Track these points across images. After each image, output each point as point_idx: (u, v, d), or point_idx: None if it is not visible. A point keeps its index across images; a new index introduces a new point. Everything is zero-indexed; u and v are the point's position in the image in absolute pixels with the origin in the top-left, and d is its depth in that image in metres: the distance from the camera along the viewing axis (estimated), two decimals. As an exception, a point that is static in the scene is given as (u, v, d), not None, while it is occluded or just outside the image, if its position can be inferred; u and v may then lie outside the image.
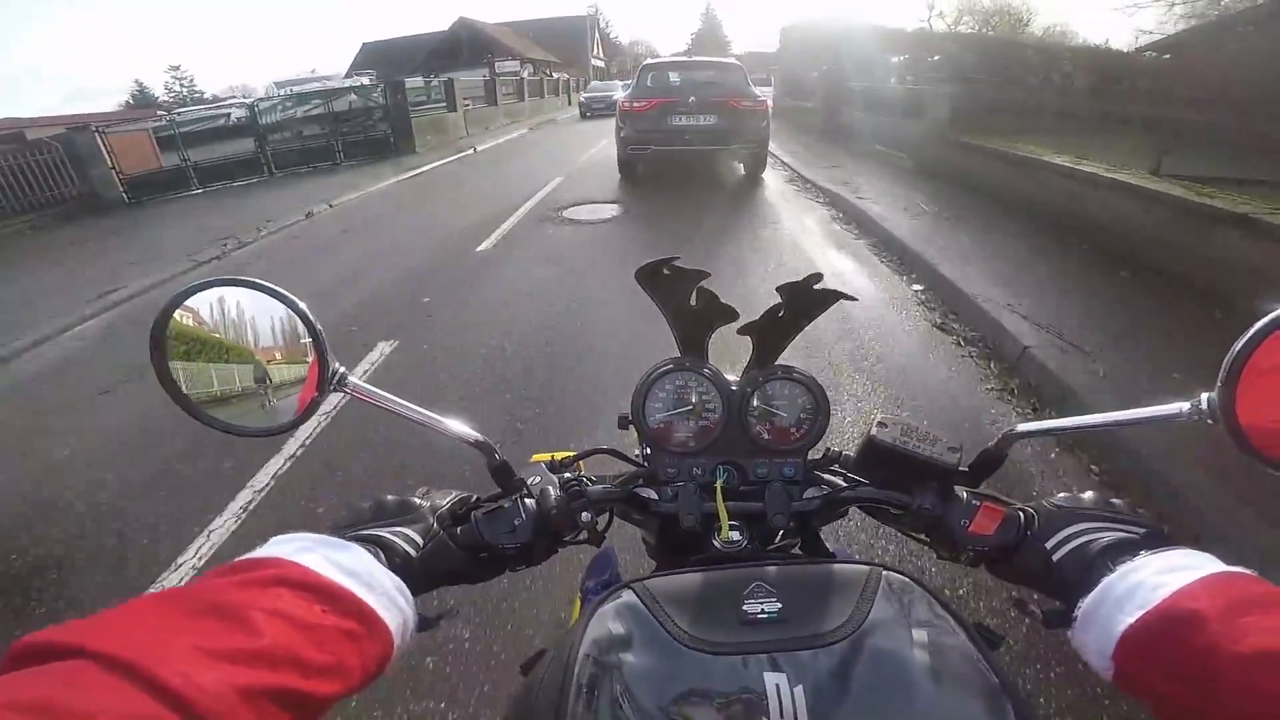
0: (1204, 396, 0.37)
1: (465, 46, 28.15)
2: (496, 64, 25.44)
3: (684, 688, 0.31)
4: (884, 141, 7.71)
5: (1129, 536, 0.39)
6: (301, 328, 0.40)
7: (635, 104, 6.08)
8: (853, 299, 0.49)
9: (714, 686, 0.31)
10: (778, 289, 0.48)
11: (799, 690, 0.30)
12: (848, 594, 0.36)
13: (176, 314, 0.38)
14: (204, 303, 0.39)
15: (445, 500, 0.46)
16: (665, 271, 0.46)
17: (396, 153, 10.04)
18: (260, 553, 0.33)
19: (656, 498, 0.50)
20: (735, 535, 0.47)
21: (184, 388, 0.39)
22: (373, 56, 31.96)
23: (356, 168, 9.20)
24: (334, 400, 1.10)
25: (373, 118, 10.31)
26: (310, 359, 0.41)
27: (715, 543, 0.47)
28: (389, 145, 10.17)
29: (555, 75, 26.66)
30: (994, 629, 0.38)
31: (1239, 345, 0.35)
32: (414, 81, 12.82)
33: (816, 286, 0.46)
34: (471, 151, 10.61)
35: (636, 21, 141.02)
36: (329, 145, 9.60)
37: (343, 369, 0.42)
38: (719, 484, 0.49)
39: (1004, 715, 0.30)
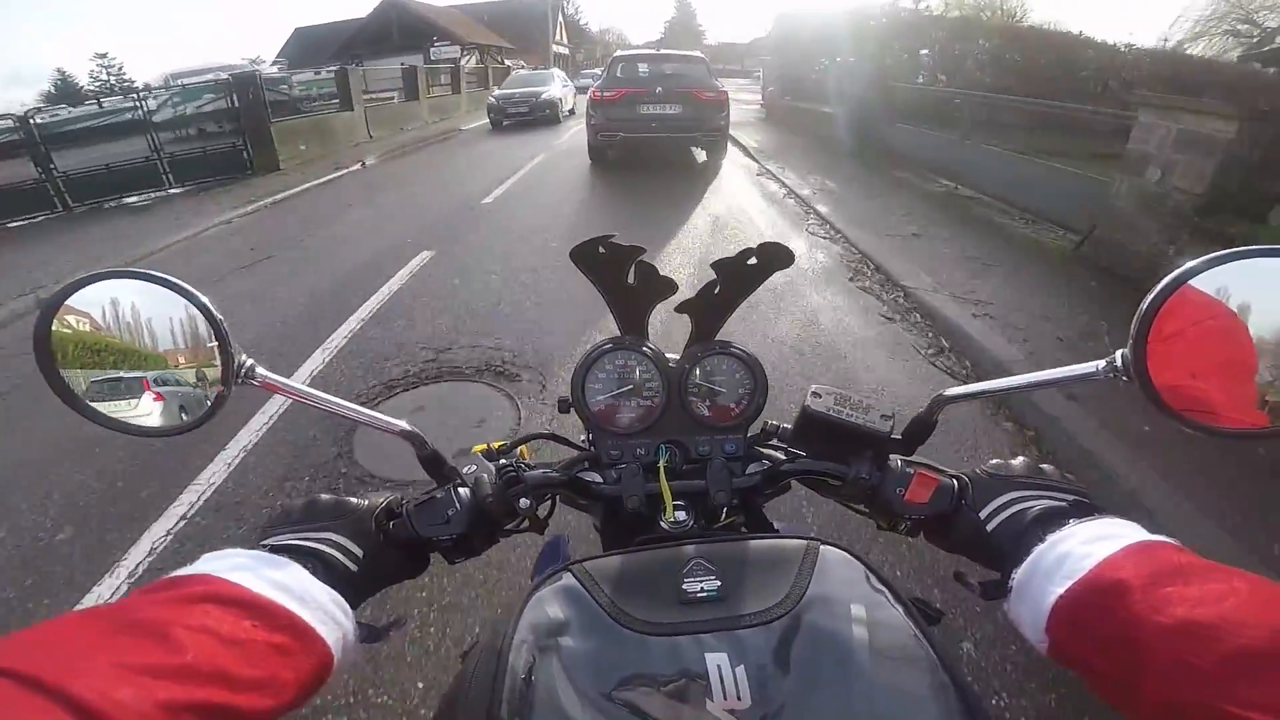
0: (1118, 354, 0.39)
1: (395, 30, 23.90)
2: (434, 50, 21.75)
3: (625, 670, 0.32)
4: (977, 182, 5.12)
5: (1058, 504, 0.42)
6: (203, 321, 0.39)
7: (606, 93, 6.79)
8: (789, 263, 0.50)
9: (655, 668, 0.32)
10: (712, 265, 0.50)
11: (740, 670, 0.31)
12: (786, 570, 0.37)
13: (63, 312, 0.37)
14: (92, 299, 0.38)
15: (381, 498, 0.46)
16: (600, 250, 0.48)
17: (252, 171, 7.48)
18: (189, 570, 0.34)
19: (600, 481, 0.52)
20: (681, 515, 0.49)
21: (78, 390, 0.38)
22: (306, 43, 27.50)
23: (194, 194, 6.76)
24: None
25: (218, 125, 7.72)
26: (215, 353, 0.40)
27: (662, 523, 0.49)
28: (241, 161, 7.49)
29: (507, 63, 23.72)
30: (932, 603, 0.39)
31: (1145, 303, 0.37)
32: (302, 74, 10.66)
33: (750, 261, 0.48)
34: (359, 167, 8.14)
35: (609, 7, 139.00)
36: (151, 166, 6.82)
37: (250, 361, 0.41)
38: (662, 464, 0.51)
39: (941, 690, 0.31)
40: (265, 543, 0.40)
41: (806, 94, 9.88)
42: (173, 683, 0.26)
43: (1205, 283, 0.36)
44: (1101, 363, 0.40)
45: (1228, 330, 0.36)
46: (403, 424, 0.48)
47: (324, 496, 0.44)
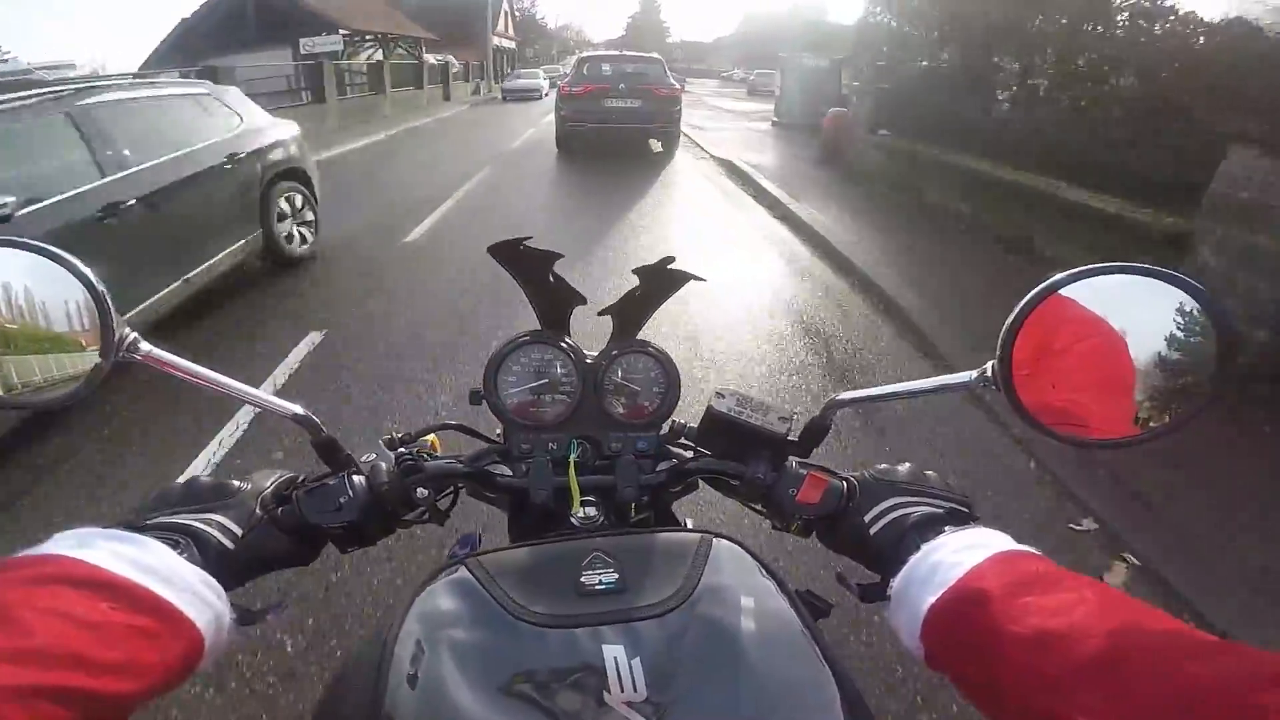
0: (989, 365, 0.42)
1: (251, 18, 17.66)
2: (308, 43, 16.00)
3: (520, 663, 0.33)
4: None
5: (936, 511, 0.45)
6: (82, 289, 0.39)
7: (575, 89, 8.23)
8: (702, 279, 0.55)
9: (552, 662, 0.33)
10: (634, 271, 0.54)
11: (636, 662, 0.33)
12: (680, 562, 0.40)
13: None
14: None
15: (270, 481, 0.47)
16: (520, 249, 0.50)
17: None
18: (39, 550, 0.34)
19: (510, 474, 0.54)
20: (591, 511, 0.52)
21: None
22: (192, 35, 19.59)
23: None
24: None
25: None
26: (95, 325, 0.40)
27: (572, 519, 0.51)
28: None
29: (432, 57, 21.21)
30: (822, 595, 0.43)
31: (1012, 316, 0.40)
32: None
33: (670, 267, 0.52)
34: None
35: (568, 3, 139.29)
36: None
37: (133, 335, 0.41)
38: (572, 458, 0.53)
39: (823, 680, 0.34)
40: (134, 523, 0.40)
41: (957, 134, 5.31)
42: (20, 667, 0.26)
43: (1076, 295, 0.39)
44: (974, 373, 0.44)
45: (1101, 343, 0.39)
46: (296, 408, 0.48)
47: (205, 478, 0.45)
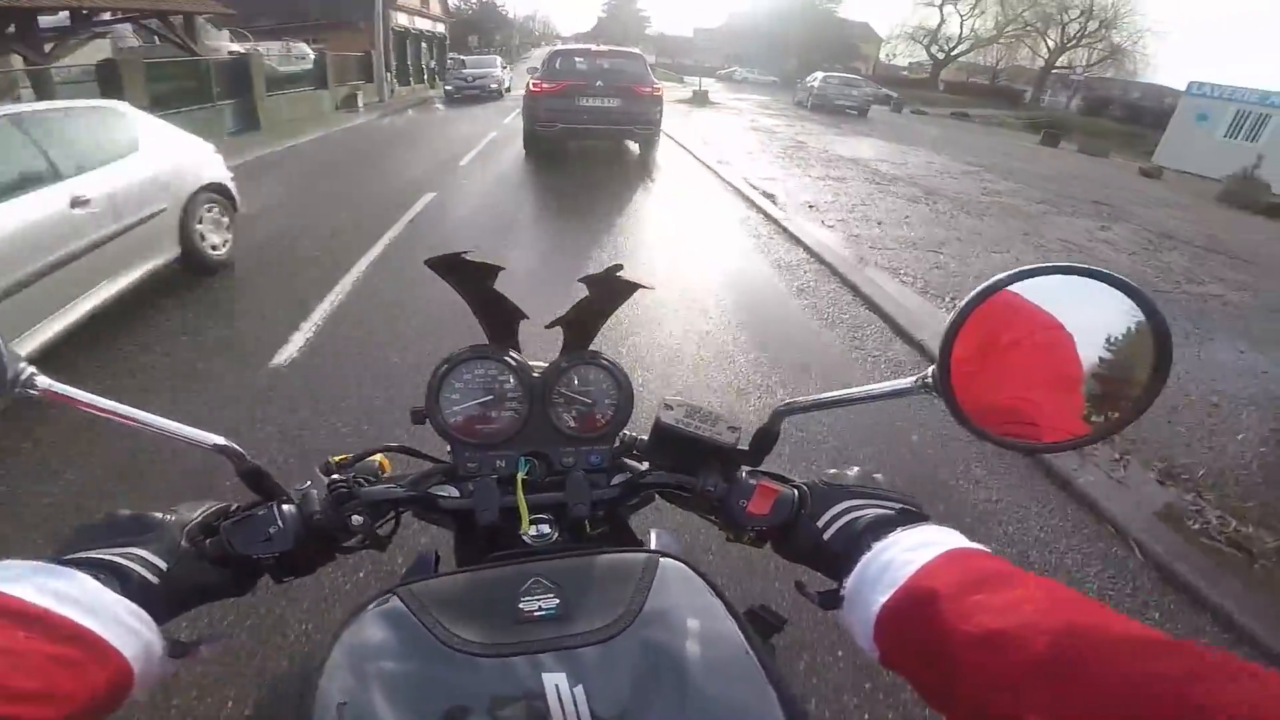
0: (928, 370, 0.46)
1: None
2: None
3: (454, 694, 0.34)
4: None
5: (886, 513, 0.48)
6: None
7: (546, 85, 8.15)
8: (650, 288, 0.59)
9: (490, 691, 0.35)
10: (581, 280, 0.57)
11: (579, 690, 0.35)
12: (625, 585, 0.42)
13: None
14: None
15: (197, 512, 0.49)
16: (463, 261, 0.53)
17: None
18: None
19: (457, 495, 0.57)
20: (545, 529, 0.55)
21: None
22: None
23: None
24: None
25: None
26: None
27: (524, 538, 0.54)
28: None
29: (233, 46, 12.95)
30: (776, 610, 0.47)
31: (952, 316, 0.43)
32: None
33: (618, 275, 0.56)
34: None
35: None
36: None
37: (30, 369, 0.44)
38: (520, 476, 0.56)
39: (767, 703, 0.36)
40: (58, 558, 0.42)
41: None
42: None
43: (1025, 292, 0.43)
44: (913, 378, 0.48)
45: (1048, 341, 0.43)
46: (217, 439, 0.51)
47: (125, 512, 0.47)
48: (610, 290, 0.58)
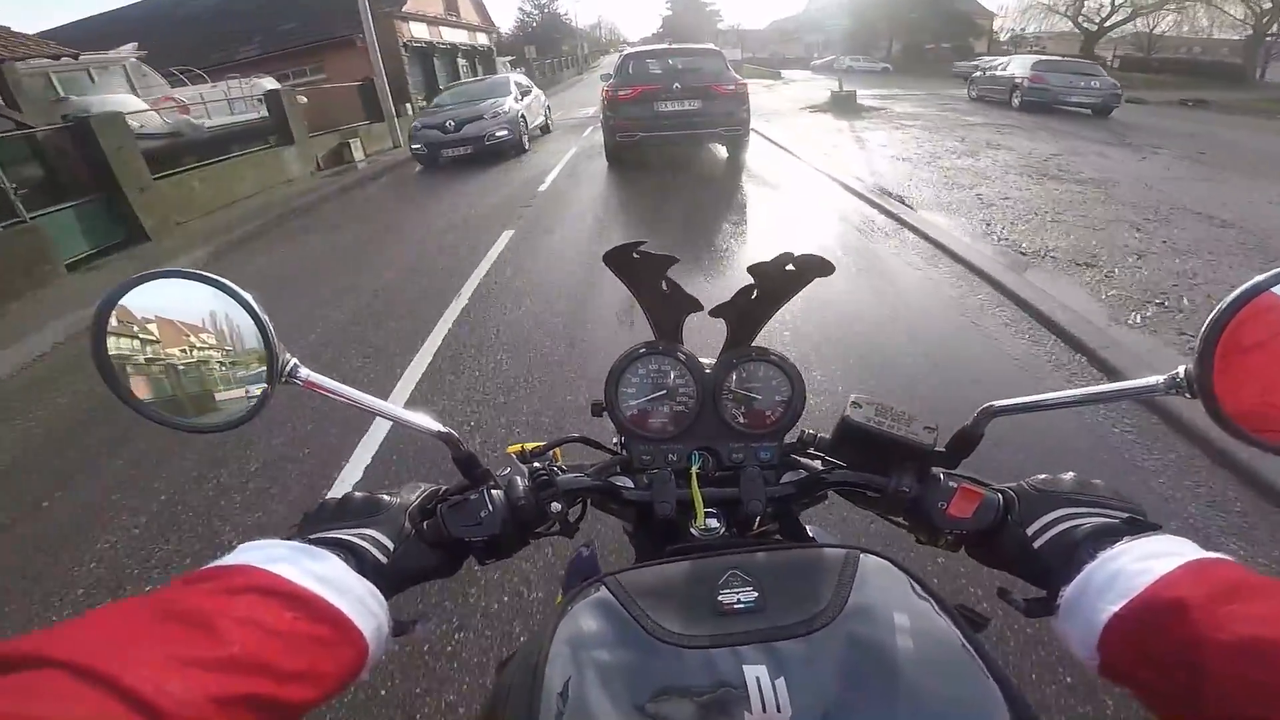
0: (1181, 369, 0.46)
1: None
2: None
3: (660, 684, 0.37)
4: None
5: (1111, 522, 0.48)
6: (249, 320, 0.50)
7: (620, 92, 8.17)
8: (830, 270, 0.57)
9: (692, 681, 0.37)
10: (749, 269, 0.59)
11: (780, 682, 0.37)
12: (825, 579, 0.43)
13: (121, 306, 0.48)
14: (148, 296, 0.48)
15: (415, 496, 0.56)
16: (634, 256, 0.57)
17: None
18: (229, 560, 0.41)
19: (632, 486, 0.62)
20: (713, 523, 0.58)
21: (128, 384, 0.48)
22: None
23: None
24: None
25: None
26: (260, 352, 0.50)
27: (693, 530, 0.58)
28: None
29: (185, 97, 10.69)
30: (979, 610, 0.47)
31: (1213, 315, 0.43)
32: None
33: (788, 267, 0.57)
34: None
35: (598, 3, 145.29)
36: None
37: (294, 360, 0.52)
38: (694, 470, 0.60)
39: (989, 697, 0.37)
40: (301, 537, 0.49)
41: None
42: (221, 675, 0.32)
43: None
44: (1162, 377, 0.47)
45: None
46: (438, 425, 0.58)
47: (359, 494, 0.54)
48: (778, 282, 0.59)
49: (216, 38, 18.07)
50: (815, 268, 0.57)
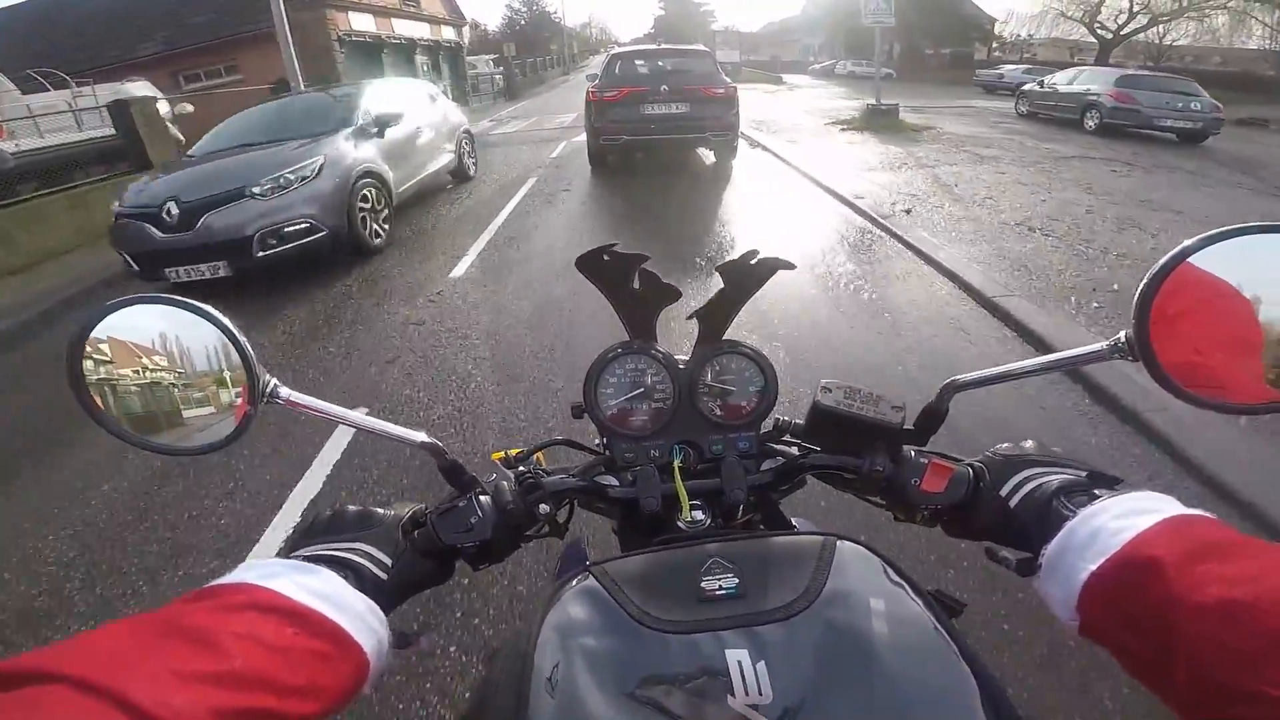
0: (1122, 334, 0.50)
1: None
2: None
3: (647, 669, 0.40)
4: None
5: (1076, 478, 0.52)
6: (228, 343, 0.52)
7: (606, 94, 8.11)
8: (791, 267, 0.63)
9: (676, 665, 0.40)
10: (718, 269, 0.64)
11: (761, 665, 0.39)
12: (804, 566, 0.46)
13: (96, 333, 0.49)
14: (123, 322, 0.50)
15: (406, 509, 0.59)
16: (605, 258, 0.61)
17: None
18: (229, 579, 0.43)
19: (617, 484, 0.65)
20: (698, 515, 0.62)
21: (107, 410, 0.50)
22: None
23: None
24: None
25: None
26: (240, 374, 0.52)
27: (679, 523, 0.61)
28: None
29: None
30: (956, 596, 0.49)
31: (1145, 280, 0.47)
32: None
33: (753, 261, 0.62)
34: None
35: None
36: None
37: (274, 381, 0.54)
38: (676, 464, 0.63)
39: (962, 679, 0.39)
40: (297, 554, 0.51)
41: None
42: (223, 690, 0.34)
43: (1206, 260, 0.46)
44: (1106, 342, 0.51)
45: (1231, 307, 0.46)
46: (421, 436, 0.60)
47: (350, 508, 0.57)
48: (746, 277, 0.64)
49: (114, 35, 15.86)
50: (779, 263, 0.62)
